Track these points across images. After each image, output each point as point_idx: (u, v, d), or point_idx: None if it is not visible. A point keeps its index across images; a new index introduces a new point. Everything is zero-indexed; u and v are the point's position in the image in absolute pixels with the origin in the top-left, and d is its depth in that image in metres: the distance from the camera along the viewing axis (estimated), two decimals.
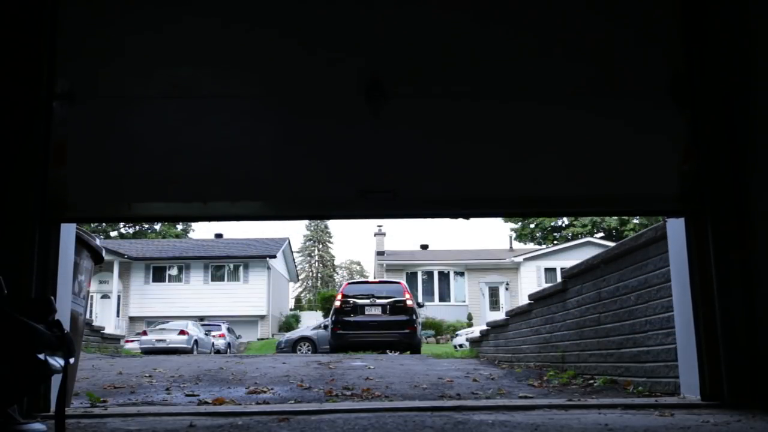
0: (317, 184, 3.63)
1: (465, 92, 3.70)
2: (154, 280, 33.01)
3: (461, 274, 32.50)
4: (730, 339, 3.38)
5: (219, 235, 38.56)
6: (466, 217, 3.80)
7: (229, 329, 26.05)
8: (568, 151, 3.67)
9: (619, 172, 3.66)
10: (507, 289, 31.92)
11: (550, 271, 30.61)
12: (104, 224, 45.85)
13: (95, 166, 3.59)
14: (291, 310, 41.62)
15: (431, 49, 3.72)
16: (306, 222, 68.36)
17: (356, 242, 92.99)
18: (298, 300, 58.52)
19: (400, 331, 15.06)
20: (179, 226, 48.75)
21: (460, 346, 20.05)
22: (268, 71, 3.69)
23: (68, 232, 3.57)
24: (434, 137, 3.66)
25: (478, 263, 32.44)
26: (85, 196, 3.56)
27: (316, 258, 68.23)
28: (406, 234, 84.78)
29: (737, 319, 3.39)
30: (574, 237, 36.04)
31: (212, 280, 33.08)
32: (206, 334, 23.30)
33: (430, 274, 32.31)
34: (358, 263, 69.89)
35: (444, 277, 32.36)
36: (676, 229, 3.73)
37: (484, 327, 11.53)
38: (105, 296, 32.09)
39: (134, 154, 3.59)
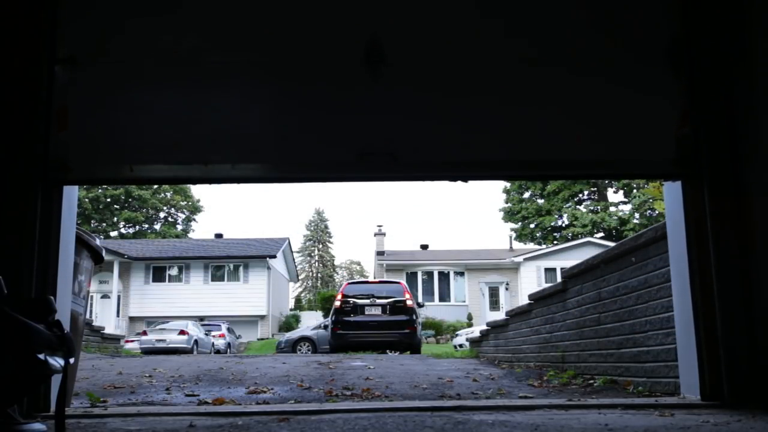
0: (317, 147, 3.66)
1: (465, 56, 3.72)
2: (154, 280, 33.03)
3: (461, 274, 32.50)
4: (730, 339, 3.38)
5: (219, 235, 38.57)
6: (465, 180, 3.83)
7: (229, 329, 26.06)
8: (567, 114, 3.70)
9: (618, 135, 3.69)
10: (507, 289, 31.93)
11: (550, 271, 30.63)
12: (106, 222, 45.86)
13: (97, 130, 3.62)
14: (291, 310, 41.63)
15: (431, 11, 3.74)
16: (306, 222, 68.59)
17: (356, 242, 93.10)
18: (298, 300, 58.52)
19: (400, 331, 15.07)
20: (179, 227, 48.78)
21: (460, 346, 20.06)
22: (268, 37, 3.70)
23: (68, 231, 3.57)
24: (434, 101, 3.68)
25: (478, 263, 32.45)
26: (87, 159, 3.59)
27: (316, 258, 68.25)
28: (406, 234, 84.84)
29: (737, 317, 3.39)
30: (574, 237, 36.05)
31: (212, 280, 33.10)
32: (206, 334, 23.31)
33: (430, 274, 32.32)
34: (358, 263, 69.97)
35: (444, 277, 32.36)
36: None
37: (484, 327, 11.53)
38: (105, 296, 32.10)
39: (136, 117, 3.63)
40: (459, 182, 3.84)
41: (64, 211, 3.51)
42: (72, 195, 3.67)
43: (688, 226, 3.59)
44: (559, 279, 6.94)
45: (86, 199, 43.28)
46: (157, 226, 48.05)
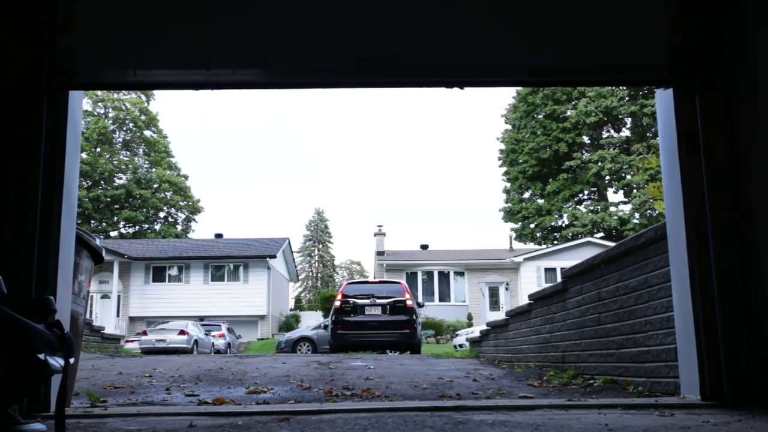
0: (316, 53, 3.73)
1: None
2: (154, 280, 33.02)
3: (461, 274, 32.50)
4: (730, 339, 3.38)
5: (219, 235, 38.56)
6: (461, 86, 3.85)
7: (229, 329, 26.06)
8: (562, 21, 3.75)
9: (611, 42, 3.76)
10: (507, 289, 31.92)
11: (550, 271, 30.62)
12: (106, 222, 45.79)
13: (101, 35, 3.68)
14: (291, 310, 41.62)
15: None
16: (306, 222, 68.58)
17: (356, 242, 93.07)
18: (298, 300, 58.55)
19: (400, 331, 15.06)
20: (179, 227, 48.76)
21: (460, 346, 20.06)
22: None
23: (69, 230, 3.57)
24: (431, 5, 3.75)
25: (478, 263, 32.45)
26: (91, 64, 3.66)
27: (316, 258, 68.26)
28: (406, 234, 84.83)
29: (737, 317, 3.39)
30: (574, 237, 36.04)
31: (212, 280, 33.09)
32: (206, 334, 23.31)
33: (430, 274, 32.32)
34: (358, 263, 69.99)
35: (444, 277, 32.36)
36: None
37: (484, 327, 11.53)
38: (105, 296, 32.10)
39: (139, 23, 3.70)
40: (455, 89, 3.86)
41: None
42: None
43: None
44: (559, 279, 6.94)
45: (86, 199, 43.27)
46: (157, 226, 48.02)
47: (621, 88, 38.54)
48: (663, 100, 3.83)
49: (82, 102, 3.87)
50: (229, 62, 3.69)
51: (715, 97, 3.57)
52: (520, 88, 41.83)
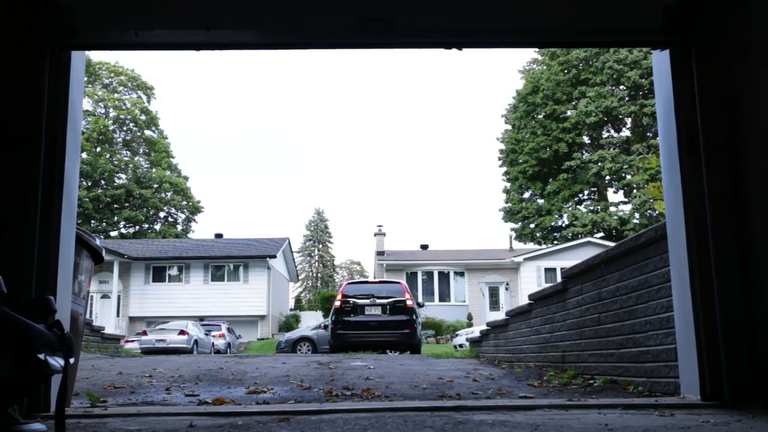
0: (316, 13, 3.74)
1: None
2: (154, 280, 33.03)
3: (461, 274, 32.50)
4: (730, 339, 3.38)
5: (219, 235, 38.57)
6: (460, 47, 3.86)
7: (229, 329, 26.07)
8: None
9: (609, 2, 3.77)
10: (507, 289, 31.92)
11: (550, 271, 30.62)
12: (106, 222, 45.77)
13: None
14: (291, 310, 41.62)
15: None
16: (306, 222, 68.60)
17: (356, 242, 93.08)
18: (298, 300, 58.56)
19: (400, 331, 15.07)
20: (179, 227, 48.76)
21: (460, 346, 20.07)
22: None
23: (69, 230, 3.57)
24: None
25: (478, 263, 32.45)
26: (93, 24, 3.67)
27: (316, 258, 68.27)
28: (406, 234, 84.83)
29: (737, 317, 3.39)
30: (574, 237, 36.04)
31: (212, 280, 33.10)
32: (206, 334, 23.32)
33: (430, 274, 32.32)
34: (358, 263, 70.03)
35: (444, 277, 32.36)
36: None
37: (484, 327, 11.53)
38: (105, 296, 32.10)
39: None
40: (454, 50, 3.85)
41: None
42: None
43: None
44: (559, 279, 6.94)
45: (86, 199, 43.26)
46: (157, 226, 48.02)
47: (621, 87, 38.57)
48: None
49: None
50: (229, 23, 3.70)
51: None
52: (520, 79, 41.84)
